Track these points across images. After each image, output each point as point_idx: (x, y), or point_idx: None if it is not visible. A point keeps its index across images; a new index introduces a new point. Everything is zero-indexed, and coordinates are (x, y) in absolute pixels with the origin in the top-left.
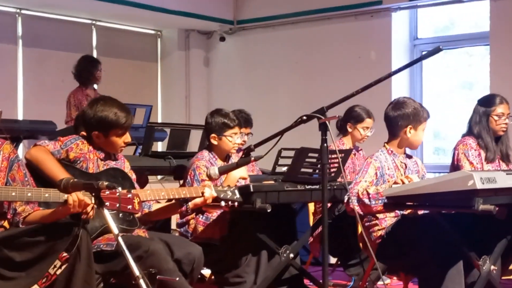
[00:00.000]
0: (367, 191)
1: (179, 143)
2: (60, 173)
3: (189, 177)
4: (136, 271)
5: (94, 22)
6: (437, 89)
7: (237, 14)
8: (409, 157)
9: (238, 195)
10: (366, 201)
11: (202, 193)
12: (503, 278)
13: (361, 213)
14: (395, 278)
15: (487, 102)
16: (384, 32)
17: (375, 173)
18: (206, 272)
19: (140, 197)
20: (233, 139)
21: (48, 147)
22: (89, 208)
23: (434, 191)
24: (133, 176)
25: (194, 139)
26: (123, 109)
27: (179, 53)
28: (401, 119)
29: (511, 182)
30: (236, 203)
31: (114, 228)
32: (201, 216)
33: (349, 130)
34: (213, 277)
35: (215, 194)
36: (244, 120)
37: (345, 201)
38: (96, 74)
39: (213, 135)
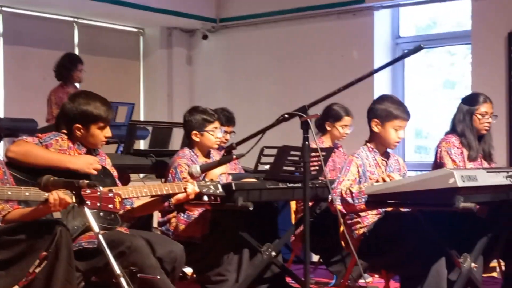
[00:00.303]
0: (350, 190)
1: (161, 141)
2: (52, 154)
3: (170, 175)
4: (117, 269)
5: (76, 19)
6: (419, 88)
7: (219, 12)
8: (389, 155)
9: (220, 189)
10: (350, 200)
11: (185, 188)
12: (484, 275)
13: (345, 212)
14: (376, 276)
15: (471, 101)
16: (366, 31)
17: (357, 171)
18: (188, 270)
19: (121, 196)
20: (215, 133)
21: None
22: (69, 208)
23: (416, 189)
24: (114, 172)
25: (176, 137)
26: (105, 103)
27: (162, 51)
28: (371, 112)
29: (492, 180)
30: (218, 198)
31: (95, 226)
32: (182, 215)
33: (328, 128)
34: (194, 275)
35: (197, 190)
36: (226, 118)
37: (329, 201)
38: (74, 73)
39: (194, 132)
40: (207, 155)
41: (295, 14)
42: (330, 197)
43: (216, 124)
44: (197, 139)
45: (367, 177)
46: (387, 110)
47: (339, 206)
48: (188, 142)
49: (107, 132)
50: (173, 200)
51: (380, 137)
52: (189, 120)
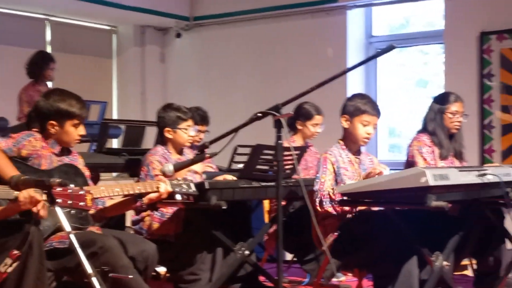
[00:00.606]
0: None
1: (134, 139)
2: (9, 171)
3: (142, 172)
4: (89, 268)
5: (48, 17)
6: (392, 87)
7: (193, 10)
8: (362, 154)
9: (193, 188)
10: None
11: (157, 188)
12: (455, 273)
13: (335, 213)
14: (350, 274)
15: (442, 100)
16: (339, 30)
17: (333, 169)
18: (161, 269)
19: (92, 194)
20: (188, 131)
21: (0, 145)
22: (39, 205)
23: (388, 188)
24: (86, 172)
25: (150, 136)
26: (80, 100)
27: (135, 49)
28: (342, 109)
29: (464, 179)
30: (191, 197)
31: (66, 226)
32: (156, 213)
33: (299, 127)
34: (168, 274)
35: (170, 189)
36: (200, 117)
37: (318, 203)
38: (46, 72)
39: (167, 128)
40: (180, 152)
41: (269, 12)
42: (318, 200)
43: (190, 122)
44: (170, 136)
45: (342, 173)
46: (355, 105)
47: (329, 208)
48: (161, 139)
49: (81, 130)
50: (145, 199)
51: (350, 133)
52: (162, 116)
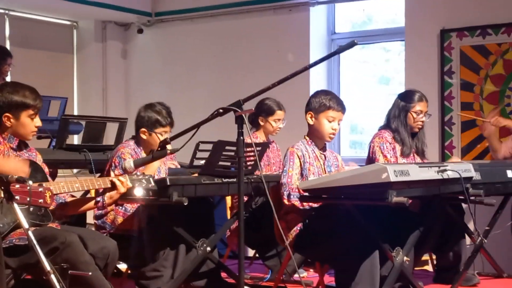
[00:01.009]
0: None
1: (95, 136)
2: None
3: (114, 163)
4: (47, 266)
5: (7, 11)
6: (355, 84)
7: (155, 6)
8: (326, 150)
9: (153, 183)
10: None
11: (111, 182)
12: (415, 269)
13: (301, 207)
14: (311, 270)
15: (407, 98)
16: (302, 27)
17: (300, 162)
18: (122, 266)
19: (52, 191)
20: (163, 137)
21: None
22: None
23: (349, 184)
24: (45, 169)
25: (111, 132)
26: (33, 91)
27: (96, 45)
28: (307, 106)
29: (424, 175)
30: (151, 192)
31: (24, 223)
32: (120, 207)
33: (261, 123)
34: (129, 271)
35: (130, 184)
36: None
37: (285, 196)
38: (3, 67)
39: (143, 129)
40: (149, 154)
41: (231, 9)
42: (286, 193)
43: (167, 128)
44: (144, 137)
45: (307, 168)
46: (320, 101)
47: (296, 202)
48: (134, 136)
49: (38, 121)
50: (106, 199)
51: (315, 130)
52: (142, 116)
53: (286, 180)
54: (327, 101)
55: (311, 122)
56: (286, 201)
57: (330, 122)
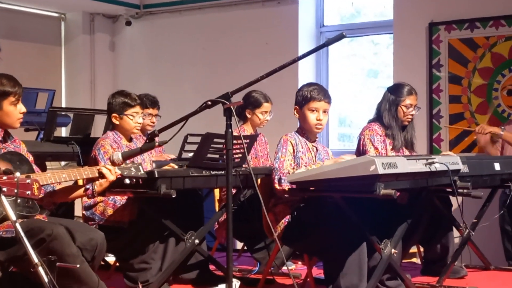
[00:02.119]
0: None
1: (83, 128)
2: None
3: (95, 156)
4: (35, 258)
5: None
6: (343, 77)
7: None
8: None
9: (142, 171)
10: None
11: (99, 171)
12: (403, 261)
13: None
14: (300, 262)
15: (396, 92)
16: (291, 19)
17: (293, 150)
18: (111, 259)
19: (39, 182)
20: (135, 118)
21: None
22: None
23: (337, 176)
24: (30, 158)
25: (99, 124)
26: (10, 78)
27: (84, 37)
28: (295, 100)
29: (412, 167)
30: (141, 180)
31: (12, 215)
32: (110, 198)
33: (248, 116)
34: (117, 264)
35: (118, 172)
36: (150, 101)
37: (276, 181)
38: None
39: (114, 114)
40: (129, 140)
41: (220, 1)
42: (277, 177)
43: (137, 109)
44: (117, 122)
45: (300, 157)
46: (303, 94)
47: (287, 187)
48: (110, 126)
49: (21, 107)
50: (96, 187)
51: (303, 123)
52: (111, 102)
53: (278, 165)
54: (308, 92)
55: (297, 116)
56: (277, 186)
57: (313, 112)
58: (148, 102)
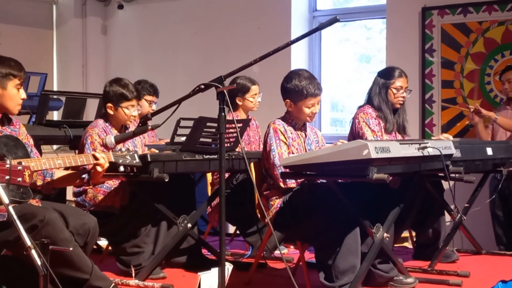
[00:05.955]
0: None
1: (75, 112)
2: None
3: (82, 144)
4: (28, 241)
5: None
6: (336, 62)
7: None
8: (307, 128)
9: (137, 159)
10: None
11: (94, 156)
12: (395, 245)
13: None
14: (292, 247)
15: (386, 75)
16: (283, 3)
17: (285, 138)
18: (103, 243)
19: (31, 169)
20: (129, 111)
21: None
22: None
23: (330, 160)
24: (30, 141)
25: (91, 108)
26: (17, 62)
27: (76, 21)
28: (283, 92)
29: (405, 152)
30: (135, 168)
31: (5, 198)
32: (100, 186)
33: (240, 103)
34: (110, 248)
35: (112, 159)
36: (154, 90)
37: (281, 179)
38: None
39: (109, 104)
40: (120, 129)
41: None
42: (279, 172)
43: (133, 102)
44: (111, 112)
45: (290, 144)
46: (297, 90)
47: (293, 185)
48: (103, 113)
49: (23, 93)
50: (91, 179)
51: (296, 114)
52: (108, 91)
53: (278, 160)
54: (304, 88)
55: (290, 109)
56: (282, 184)
57: (310, 107)
58: (152, 90)
